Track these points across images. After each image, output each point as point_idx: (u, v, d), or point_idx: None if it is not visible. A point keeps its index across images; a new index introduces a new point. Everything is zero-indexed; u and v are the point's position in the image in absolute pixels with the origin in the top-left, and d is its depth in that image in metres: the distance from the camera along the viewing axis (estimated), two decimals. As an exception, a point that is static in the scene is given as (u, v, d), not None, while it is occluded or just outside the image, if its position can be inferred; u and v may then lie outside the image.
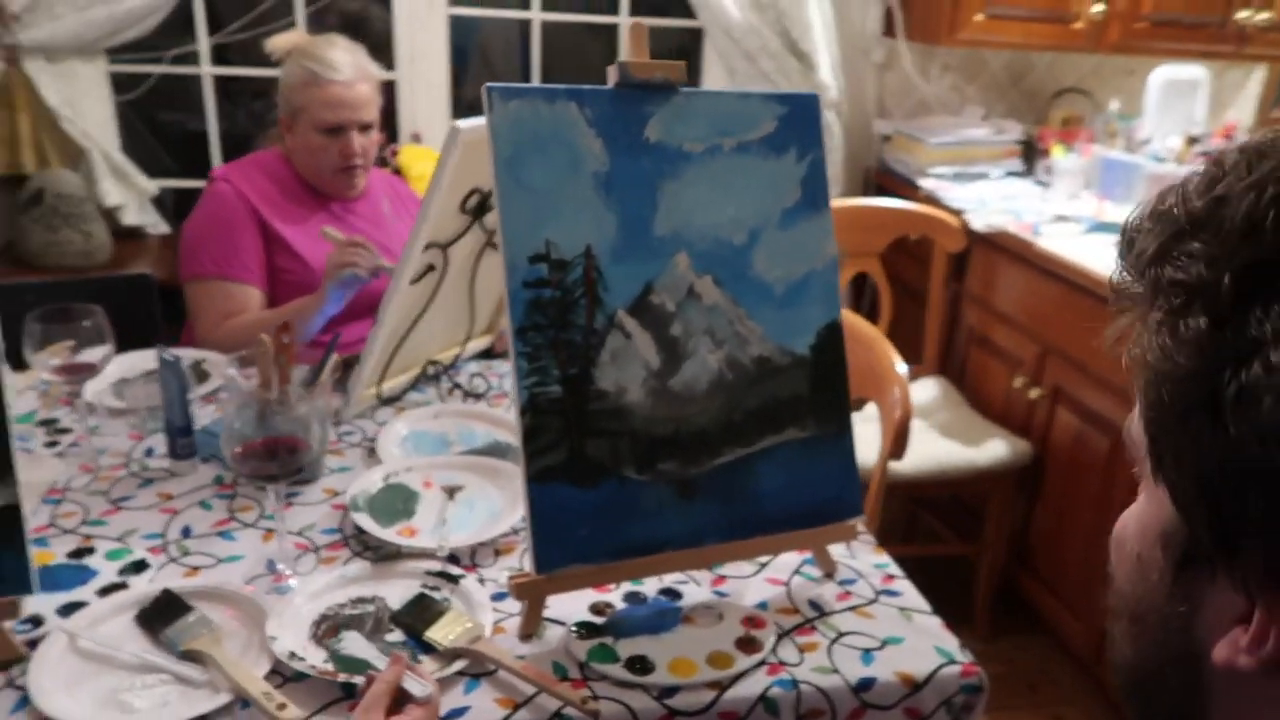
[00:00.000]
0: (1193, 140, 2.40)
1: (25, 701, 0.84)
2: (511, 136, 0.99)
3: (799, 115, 1.12)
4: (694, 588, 1.10)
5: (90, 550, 1.06)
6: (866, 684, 0.97)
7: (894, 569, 1.16)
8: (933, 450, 2.08)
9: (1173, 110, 2.63)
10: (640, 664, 0.96)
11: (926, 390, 2.36)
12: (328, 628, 0.97)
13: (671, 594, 1.09)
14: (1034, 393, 2.11)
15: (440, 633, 0.95)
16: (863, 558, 1.18)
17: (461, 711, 0.88)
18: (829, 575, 1.14)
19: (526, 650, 0.97)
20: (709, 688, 0.94)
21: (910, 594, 1.11)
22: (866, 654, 1.01)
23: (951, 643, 1.04)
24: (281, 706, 0.84)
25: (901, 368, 1.43)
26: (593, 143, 1.02)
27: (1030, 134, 2.72)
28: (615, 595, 1.07)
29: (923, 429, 2.23)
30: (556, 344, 1.00)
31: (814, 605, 1.08)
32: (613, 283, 1.03)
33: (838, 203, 2.38)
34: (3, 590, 0.86)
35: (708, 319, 1.07)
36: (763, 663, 0.98)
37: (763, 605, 1.08)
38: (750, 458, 1.08)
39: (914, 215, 2.34)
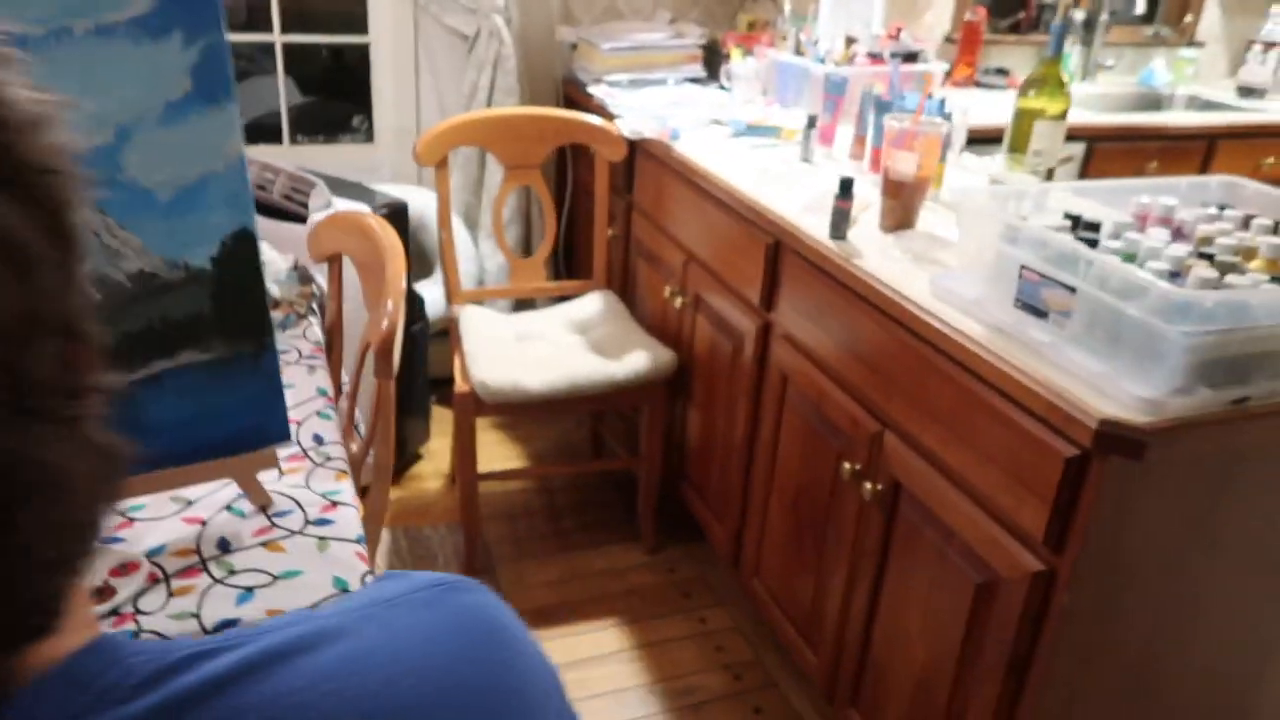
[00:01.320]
0: (851, 42, 2.38)
1: None
2: None
3: (185, -9, 0.98)
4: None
5: None
6: (226, 625, 0.89)
7: (345, 496, 1.08)
8: (571, 366, 2.03)
9: (846, 12, 2.60)
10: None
11: (591, 305, 2.30)
12: None
13: (51, 542, 0.97)
14: (679, 301, 2.08)
15: None
16: (318, 485, 1.09)
17: None
18: (263, 508, 1.05)
19: None
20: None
21: (346, 522, 1.04)
22: (247, 593, 0.92)
23: (355, 572, 0.96)
24: None
25: (400, 281, 1.33)
26: None
27: (713, 38, 2.66)
28: None
29: (574, 345, 2.18)
30: None
31: (221, 544, 0.99)
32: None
33: (484, 113, 2.27)
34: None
35: (61, 231, 0.93)
36: (113, 612, 0.88)
37: (158, 549, 0.98)
38: (132, 385, 0.96)
39: (573, 124, 2.25)
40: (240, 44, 2.70)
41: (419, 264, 2.65)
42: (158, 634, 0.87)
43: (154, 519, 1.02)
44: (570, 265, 2.80)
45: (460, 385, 2.00)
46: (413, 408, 2.45)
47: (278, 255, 1.56)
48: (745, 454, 1.90)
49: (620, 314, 2.26)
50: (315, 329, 1.49)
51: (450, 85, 2.66)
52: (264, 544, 0.99)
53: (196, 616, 0.89)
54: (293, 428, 1.20)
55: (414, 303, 2.44)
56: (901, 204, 1.52)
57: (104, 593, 0.90)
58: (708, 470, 2.09)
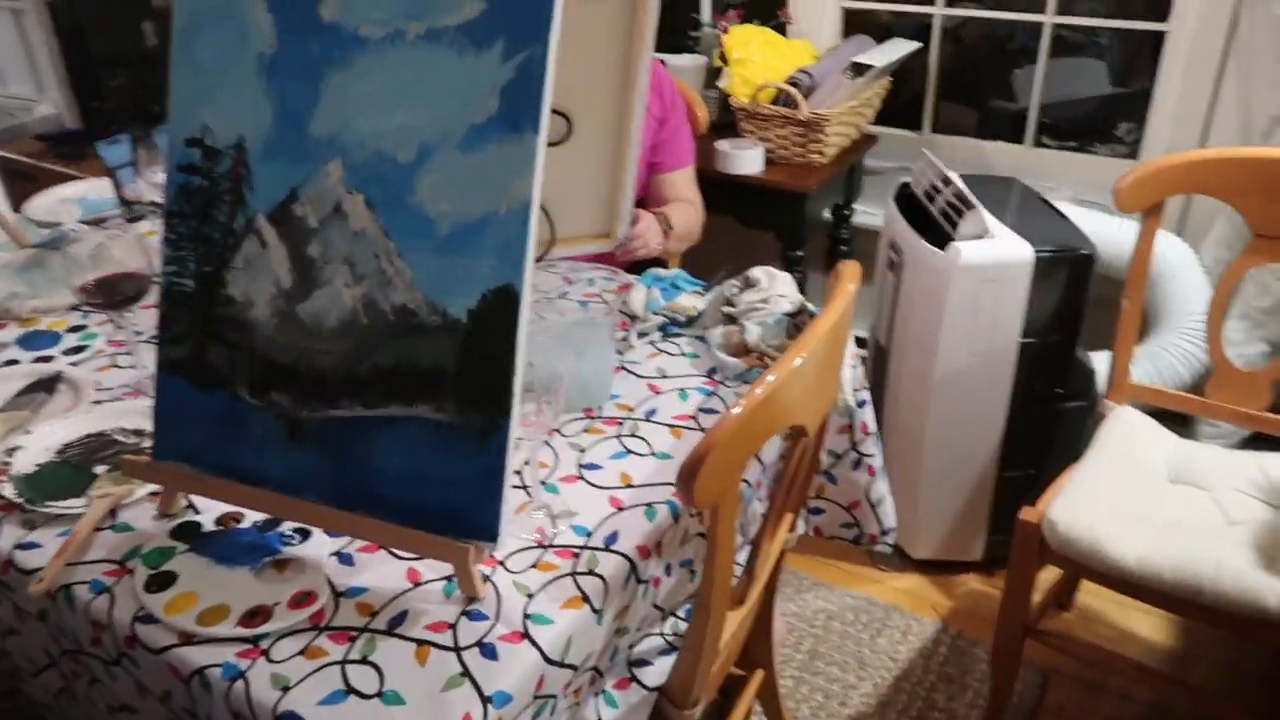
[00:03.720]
0: None
1: None
2: (188, 7, 0.93)
3: (520, -5, 0.81)
4: (328, 540, 0.97)
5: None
6: (288, 717, 0.79)
7: (548, 635, 0.86)
8: (1203, 551, 1.33)
9: None
10: (160, 582, 0.92)
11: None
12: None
13: (304, 534, 0.98)
14: None
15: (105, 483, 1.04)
16: (543, 605, 0.90)
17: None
18: (470, 598, 0.90)
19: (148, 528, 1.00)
20: (172, 633, 0.86)
21: (518, 663, 0.83)
22: (340, 694, 0.80)
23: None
24: None
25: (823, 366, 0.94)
26: (263, 18, 0.90)
27: None
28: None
29: (1243, 521, 1.43)
30: (198, 237, 0.95)
31: (395, 620, 0.88)
32: (259, 182, 0.92)
33: (1234, 152, 1.55)
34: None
35: (350, 246, 0.88)
36: (248, 640, 0.85)
37: (356, 591, 0.91)
38: (370, 422, 0.89)
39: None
40: (1009, 21, 2.33)
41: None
42: (247, 689, 0.81)
43: (396, 557, 0.96)
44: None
45: (1027, 511, 1.49)
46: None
47: (790, 291, 1.31)
48: None
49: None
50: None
51: (1264, 101, 1.91)
52: (419, 643, 0.86)
53: (285, 691, 0.81)
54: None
55: (1080, 374, 1.89)
56: None
57: (260, 615, 0.87)
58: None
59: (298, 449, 0.92)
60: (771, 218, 2.15)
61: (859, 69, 2.01)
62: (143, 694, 0.91)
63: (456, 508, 0.86)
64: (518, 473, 1.04)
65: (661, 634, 1.13)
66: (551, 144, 1.45)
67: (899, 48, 2.13)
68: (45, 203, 1.80)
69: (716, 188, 2.13)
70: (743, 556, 1.20)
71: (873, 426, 1.45)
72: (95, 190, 1.82)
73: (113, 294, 1.20)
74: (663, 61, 2.02)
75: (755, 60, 2.14)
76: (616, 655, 1.02)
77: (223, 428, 0.95)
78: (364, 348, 0.89)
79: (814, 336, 0.99)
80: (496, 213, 0.83)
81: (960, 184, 1.81)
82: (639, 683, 1.10)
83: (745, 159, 2.10)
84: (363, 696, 0.80)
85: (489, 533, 0.86)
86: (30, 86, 3.97)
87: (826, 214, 2.39)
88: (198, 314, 0.95)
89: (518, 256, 0.82)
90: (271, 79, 0.90)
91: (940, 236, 1.80)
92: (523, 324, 0.83)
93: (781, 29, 2.37)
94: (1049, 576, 1.85)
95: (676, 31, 2.51)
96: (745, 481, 1.19)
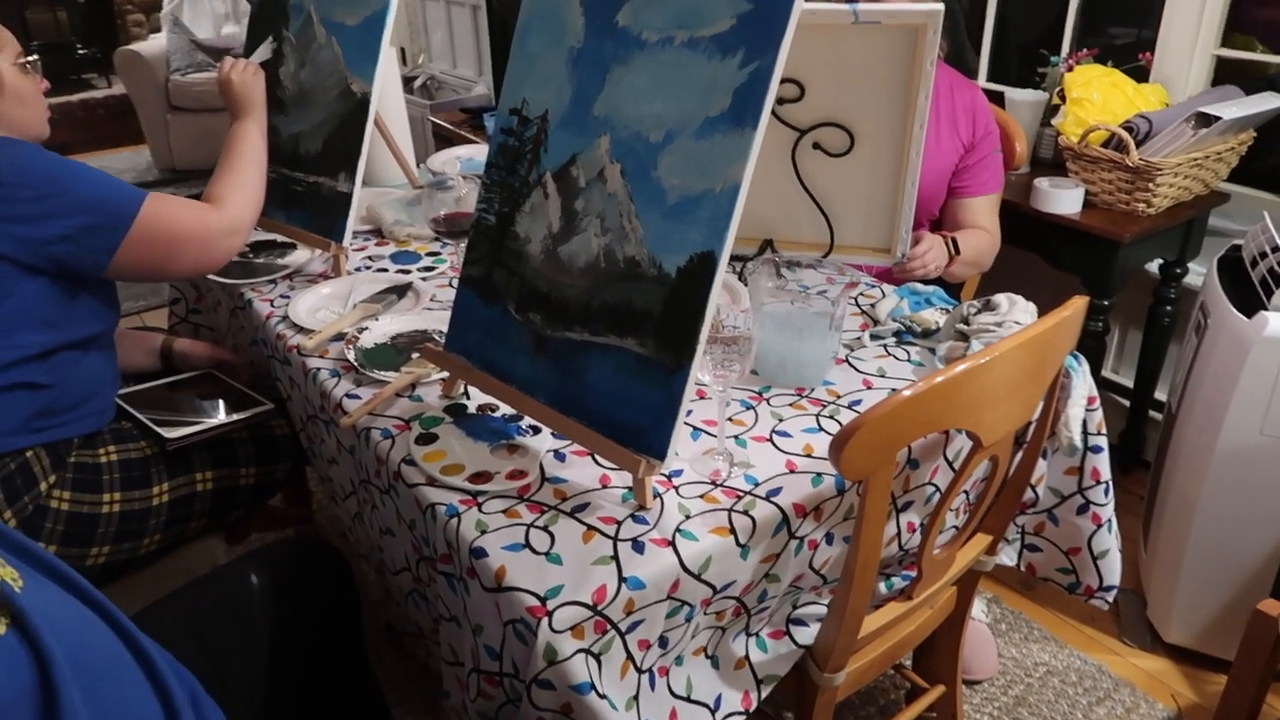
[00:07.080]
0: None
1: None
2: (530, 7, 1.19)
3: (765, 14, 0.97)
4: (550, 439, 1.19)
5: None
6: (480, 553, 1.02)
7: (690, 549, 1.02)
8: None
9: None
10: (425, 439, 1.20)
11: None
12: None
13: (535, 430, 1.22)
14: None
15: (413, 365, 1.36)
16: (694, 526, 1.05)
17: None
18: (640, 506, 1.08)
19: (433, 402, 1.30)
20: (423, 476, 1.13)
21: (658, 562, 1.00)
22: (523, 547, 1.02)
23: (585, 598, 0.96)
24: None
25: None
26: (577, 20, 1.14)
27: None
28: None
29: None
30: (503, 185, 1.21)
31: (580, 508, 1.08)
32: (552, 147, 1.16)
33: None
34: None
35: (604, 204, 1.10)
36: (469, 493, 1.10)
37: (558, 480, 1.13)
38: (591, 346, 1.10)
39: None
40: None
41: None
42: (458, 526, 1.06)
43: (596, 462, 1.16)
44: None
45: (1269, 603, 1.37)
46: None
47: (1027, 320, 1.34)
48: None
49: None
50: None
51: None
52: (588, 527, 1.05)
53: (483, 533, 1.04)
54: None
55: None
56: None
57: (484, 478, 1.12)
58: None
59: (539, 359, 1.16)
60: (1079, 262, 2.09)
61: (1204, 120, 1.90)
62: (399, 520, 1.20)
63: (639, 426, 1.05)
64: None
65: (827, 605, 1.24)
66: (835, 155, 1.59)
67: (1260, 102, 1.97)
68: (442, 158, 2.24)
69: (1028, 224, 2.11)
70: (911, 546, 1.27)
71: (1105, 475, 1.43)
72: (479, 153, 2.23)
73: (454, 227, 1.53)
74: (993, 94, 2.05)
75: (1094, 101, 2.09)
76: (766, 599, 1.15)
77: (492, 334, 1.21)
78: (598, 286, 1.10)
79: (1001, 349, 1.05)
80: (712, 191, 1.00)
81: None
82: (791, 638, 1.22)
83: (1061, 198, 2.06)
84: (535, 552, 1.02)
85: (659, 451, 1.03)
86: (474, 70, 4.74)
87: (1153, 269, 2.26)
88: (493, 243, 1.22)
89: (722, 228, 0.98)
90: (574, 68, 1.13)
91: (1255, 305, 1.67)
92: (716, 286, 0.99)
93: (1141, 74, 2.27)
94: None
95: (1026, 66, 2.49)
96: (934, 485, 1.25)
